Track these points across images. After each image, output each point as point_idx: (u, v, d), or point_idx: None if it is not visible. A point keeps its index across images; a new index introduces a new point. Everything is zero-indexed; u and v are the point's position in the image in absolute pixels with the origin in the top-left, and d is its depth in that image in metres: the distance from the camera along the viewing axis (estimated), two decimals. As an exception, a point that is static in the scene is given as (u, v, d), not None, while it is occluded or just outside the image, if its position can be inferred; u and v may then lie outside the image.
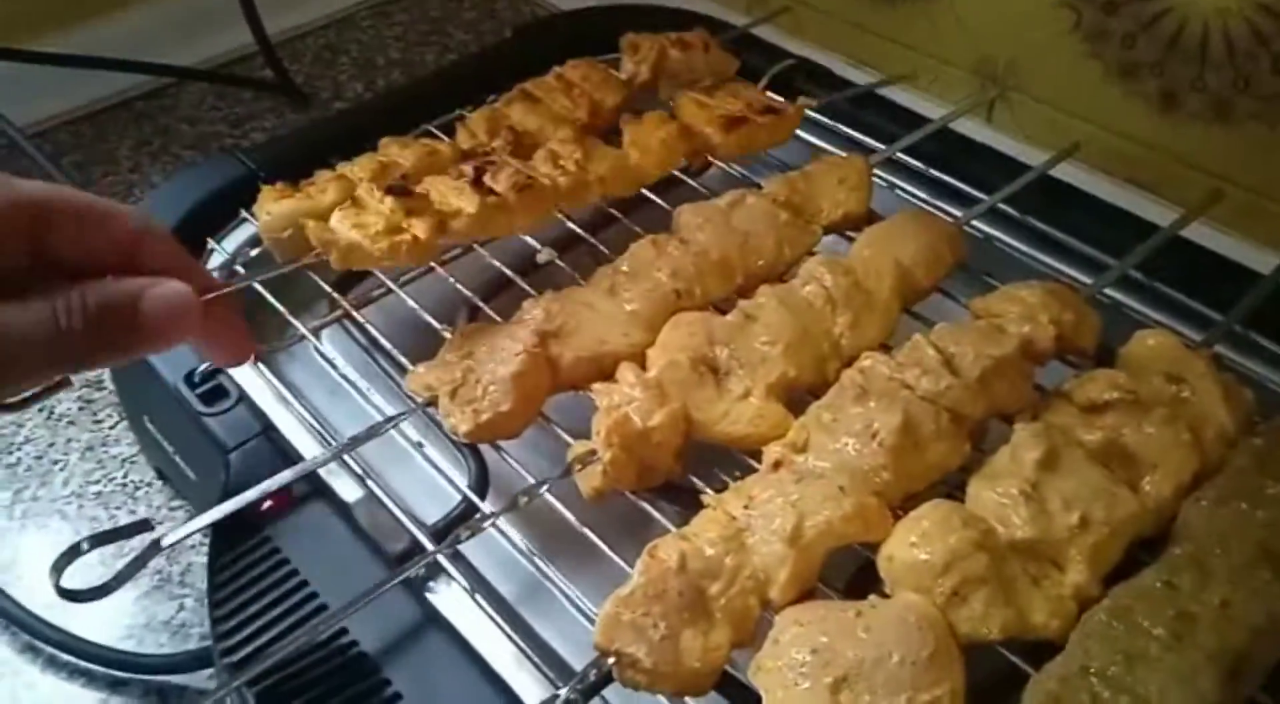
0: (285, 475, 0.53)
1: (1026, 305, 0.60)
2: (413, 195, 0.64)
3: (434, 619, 0.51)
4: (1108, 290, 0.66)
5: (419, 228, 0.62)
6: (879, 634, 0.45)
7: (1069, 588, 0.48)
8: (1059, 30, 0.80)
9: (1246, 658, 0.45)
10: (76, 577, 0.47)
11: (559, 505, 0.54)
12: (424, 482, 0.58)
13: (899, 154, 0.77)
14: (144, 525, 0.51)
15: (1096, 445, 0.53)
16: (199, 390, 0.61)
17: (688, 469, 0.56)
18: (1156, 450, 0.53)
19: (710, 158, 0.76)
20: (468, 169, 0.67)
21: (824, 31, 0.96)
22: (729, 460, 0.57)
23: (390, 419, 0.57)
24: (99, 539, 0.49)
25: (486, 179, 0.66)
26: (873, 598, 0.48)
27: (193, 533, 0.50)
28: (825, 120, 0.82)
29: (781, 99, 0.80)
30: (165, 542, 0.49)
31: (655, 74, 0.83)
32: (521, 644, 0.49)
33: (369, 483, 0.56)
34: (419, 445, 0.57)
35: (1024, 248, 0.74)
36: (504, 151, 0.75)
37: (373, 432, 0.56)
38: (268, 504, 0.55)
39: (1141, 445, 0.53)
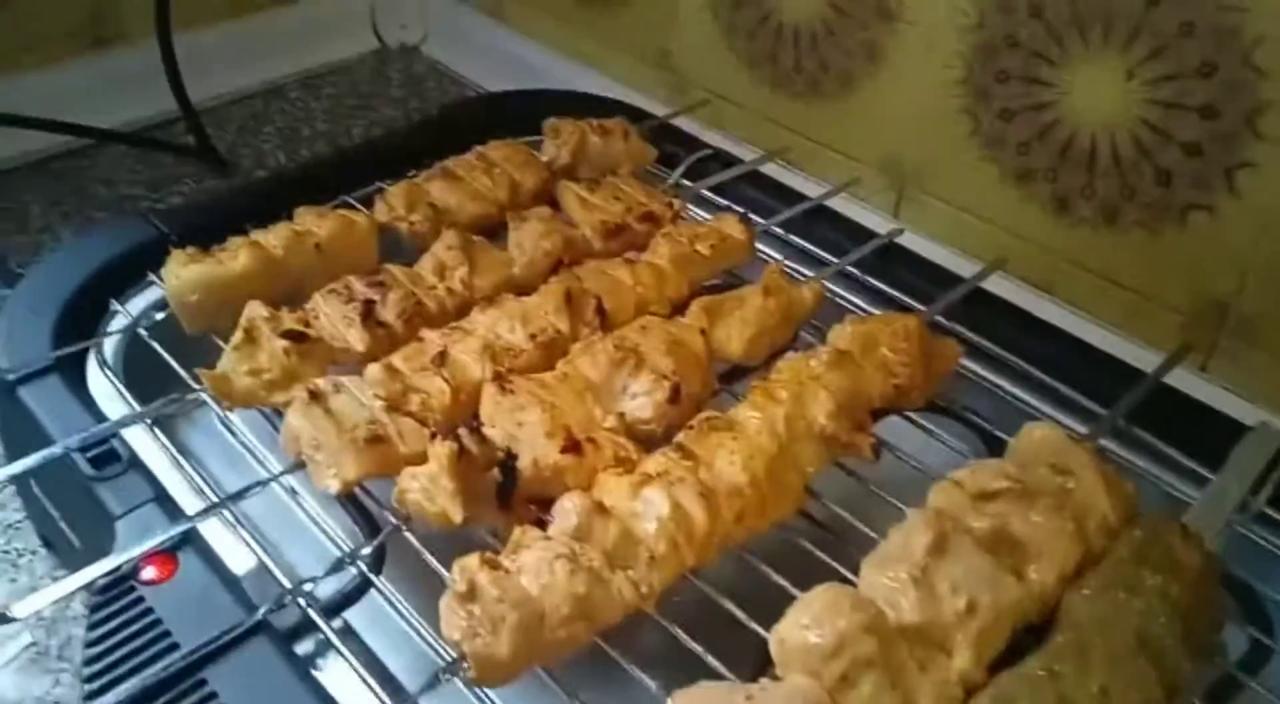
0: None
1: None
2: (306, 339, 0.63)
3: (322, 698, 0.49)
4: (1000, 381, 0.69)
5: (310, 372, 0.62)
6: (767, 719, 0.45)
7: (955, 674, 0.49)
8: (959, 134, 0.85)
9: (1123, 744, 0.46)
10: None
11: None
12: (321, 555, 0.57)
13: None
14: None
15: (985, 533, 0.54)
16: (89, 454, 0.59)
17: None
18: (1042, 539, 0.55)
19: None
20: (358, 303, 0.66)
21: (740, 124, 1.00)
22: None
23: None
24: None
25: (377, 308, 0.66)
26: (764, 681, 0.48)
27: (48, 604, 0.50)
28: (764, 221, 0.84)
29: (671, 200, 0.81)
30: (16, 612, 0.48)
31: (575, 158, 0.85)
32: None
33: (255, 550, 0.55)
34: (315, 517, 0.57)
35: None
36: (422, 226, 0.76)
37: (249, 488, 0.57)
38: (150, 573, 0.53)
39: (1028, 533, 0.55)
